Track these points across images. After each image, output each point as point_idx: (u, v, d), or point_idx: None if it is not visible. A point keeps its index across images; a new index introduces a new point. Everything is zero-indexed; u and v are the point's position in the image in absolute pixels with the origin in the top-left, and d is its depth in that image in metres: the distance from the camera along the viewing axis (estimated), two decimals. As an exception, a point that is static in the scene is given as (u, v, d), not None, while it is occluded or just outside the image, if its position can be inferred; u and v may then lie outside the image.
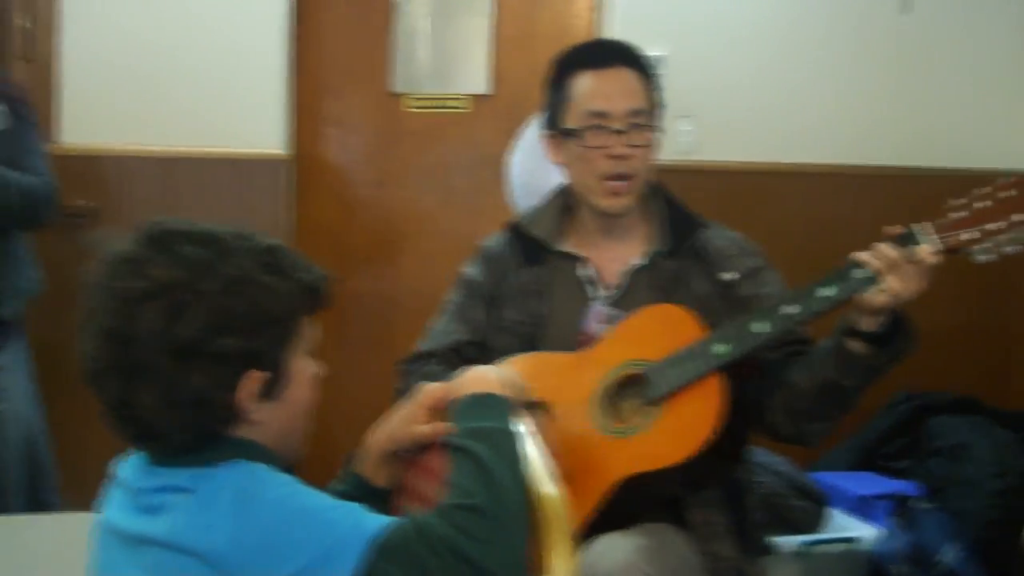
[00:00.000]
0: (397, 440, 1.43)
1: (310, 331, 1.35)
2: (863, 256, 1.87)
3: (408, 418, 1.43)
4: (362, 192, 4.14)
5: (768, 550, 3.32)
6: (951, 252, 1.85)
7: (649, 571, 1.87)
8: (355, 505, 1.25)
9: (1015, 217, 1.82)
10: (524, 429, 1.35)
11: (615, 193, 2.16)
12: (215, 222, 3.75)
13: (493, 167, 3.96)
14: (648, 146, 2.18)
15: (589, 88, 2.18)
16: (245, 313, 1.25)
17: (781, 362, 2.07)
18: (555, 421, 2.03)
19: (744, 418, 2.07)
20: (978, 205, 1.85)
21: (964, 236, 1.84)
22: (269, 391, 1.29)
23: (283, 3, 3.88)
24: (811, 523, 3.49)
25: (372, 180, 4.14)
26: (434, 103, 4.09)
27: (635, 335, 2.09)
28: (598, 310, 2.18)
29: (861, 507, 3.68)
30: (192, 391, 1.24)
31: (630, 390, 2.07)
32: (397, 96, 4.09)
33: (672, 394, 1.99)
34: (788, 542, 3.39)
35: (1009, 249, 1.83)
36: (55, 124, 3.74)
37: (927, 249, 1.84)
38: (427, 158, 4.13)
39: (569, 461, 2.03)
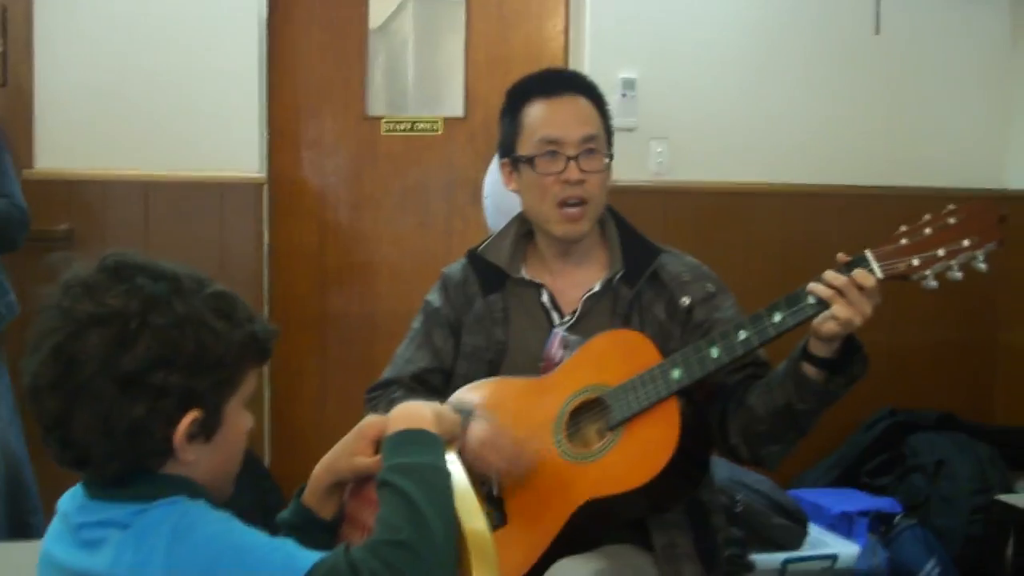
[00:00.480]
0: (338, 472, 1.43)
1: (251, 382, 1.36)
2: (812, 284, 1.88)
3: (349, 449, 1.43)
4: (339, 214, 4.16)
5: (748, 568, 3.34)
6: (897, 279, 1.85)
7: None
8: (288, 541, 1.26)
9: (957, 244, 1.82)
10: (453, 463, 1.35)
11: (571, 220, 2.17)
12: (192, 244, 3.76)
13: (468, 189, 3.99)
14: (601, 171, 2.19)
15: (541, 116, 2.20)
16: (191, 352, 1.26)
17: (740, 385, 2.08)
18: (499, 430, 2.04)
19: (704, 441, 2.07)
20: (924, 232, 1.85)
21: (909, 263, 1.84)
22: (203, 432, 1.30)
23: (258, 27, 3.90)
24: (792, 540, 3.50)
25: (348, 202, 4.15)
26: (408, 126, 4.10)
27: (594, 361, 2.09)
28: (558, 336, 2.19)
29: (842, 524, 3.69)
30: (129, 420, 1.24)
31: (591, 414, 2.07)
32: (372, 119, 4.10)
33: (631, 419, 1.99)
34: (769, 559, 3.39)
35: (958, 275, 1.83)
36: (31, 148, 3.75)
37: (868, 276, 1.84)
38: (403, 181, 4.14)
39: (531, 485, 2.05)
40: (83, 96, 3.76)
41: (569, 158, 2.15)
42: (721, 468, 3.53)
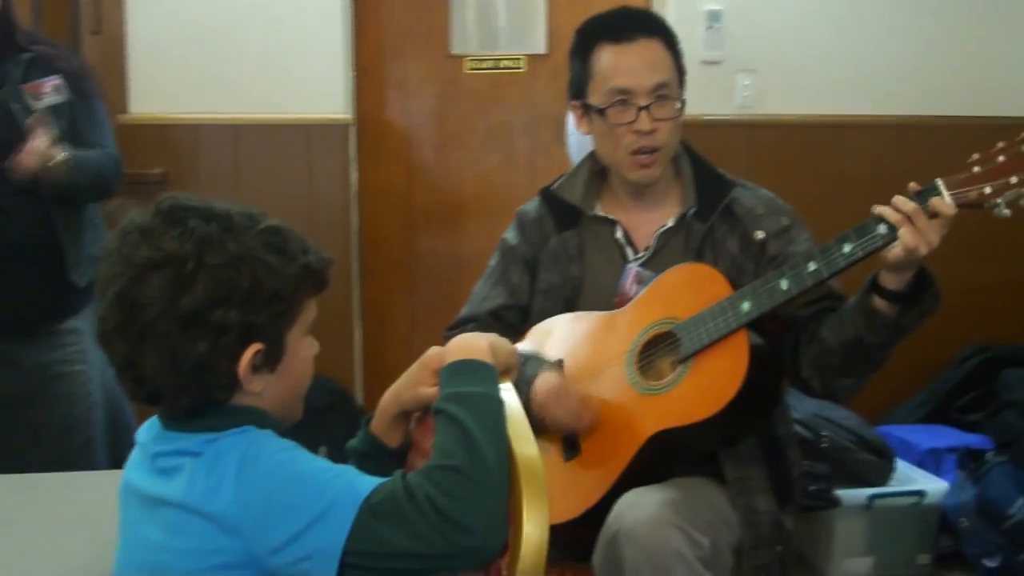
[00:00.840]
0: (404, 402, 1.48)
1: (310, 311, 1.40)
2: (882, 209, 1.86)
3: (414, 380, 1.48)
4: (424, 154, 4.20)
5: (834, 502, 3.33)
6: (970, 207, 1.82)
7: (677, 523, 1.88)
8: (349, 468, 1.31)
9: None
10: (508, 392, 1.39)
11: (642, 166, 2.18)
12: (281, 185, 3.84)
13: (551, 126, 3.98)
14: (674, 117, 2.18)
15: (612, 64, 2.18)
16: (247, 288, 1.30)
17: (813, 318, 2.07)
18: (579, 380, 2.07)
19: (776, 374, 2.07)
20: (996, 160, 1.81)
21: (980, 191, 1.81)
22: (267, 363, 1.35)
23: (341, -32, 3.93)
24: (879, 476, 3.48)
25: (433, 141, 4.19)
26: (492, 64, 4.11)
27: (665, 295, 2.10)
28: (632, 271, 2.20)
29: (930, 460, 3.65)
30: (194, 357, 1.29)
31: (663, 348, 2.08)
32: (456, 58, 4.12)
33: (701, 351, 2.00)
34: (855, 495, 3.38)
35: (1029, 202, 1.80)
36: (125, 94, 3.86)
37: (942, 202, 1.81)
38: (487, 119, 4.16)
39: (604, 417, 2.09)
40: (174, 42, 3.85)
41: (640, 108, 2.15)
42: (808, 403, 3.52)
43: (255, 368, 1.33)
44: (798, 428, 3.42)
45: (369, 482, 1.27)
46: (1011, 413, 3.79)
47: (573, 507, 2.05)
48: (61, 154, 2.65)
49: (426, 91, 4.16)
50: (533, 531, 1.23)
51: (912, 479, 3.50)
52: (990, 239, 4.04)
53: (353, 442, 1.52)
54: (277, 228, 1.37)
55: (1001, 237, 3.89)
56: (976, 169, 1.84)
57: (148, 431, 1.42)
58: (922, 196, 1.85)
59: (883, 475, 3.47)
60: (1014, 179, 1.81)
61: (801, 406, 3.49)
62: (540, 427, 2.08)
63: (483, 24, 4.12)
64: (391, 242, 4.17)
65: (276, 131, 3.91)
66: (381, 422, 1.50)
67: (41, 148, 2.62)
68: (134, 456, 1.43)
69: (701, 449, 2.10)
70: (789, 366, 2.09)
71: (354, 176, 4.05)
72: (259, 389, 1.35)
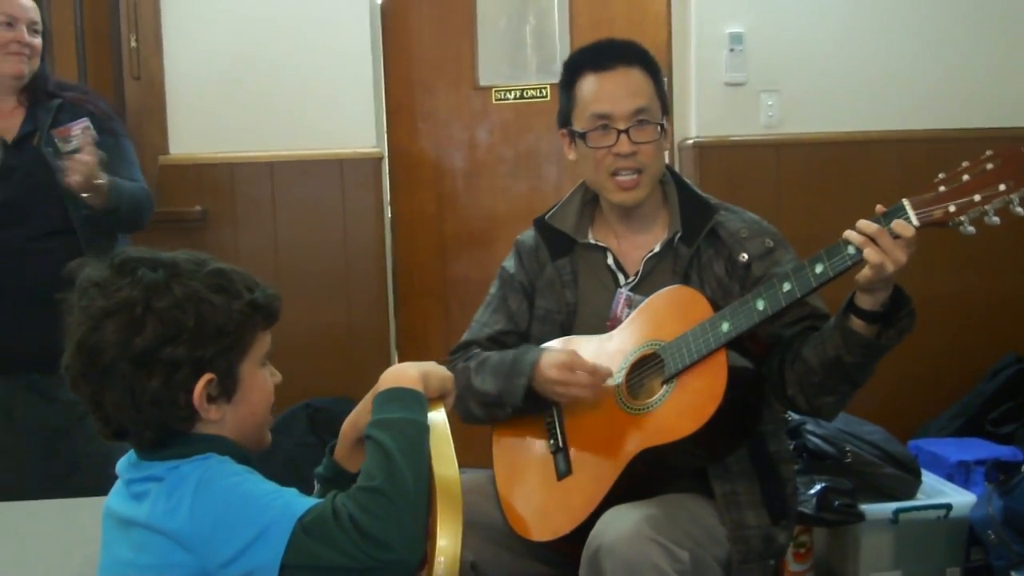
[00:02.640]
0: (360, 427, 1.57)
1: (263, 343, 1.52)
2: (848, 232, 1.92)
3: (368, 408, 1.57)
4: (455, 183, 4.32)
5: (859, 517, 3.35)
6: (934, 225, 1.87)
7: (655, 537, 1.94)
8: (291, 491, 1.43)
9: (993, 189, 1.83)
10: (434, 416, 1.49)
11: (624, 188, 2.26)
12: (317, 218, 3.94)
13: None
14: (654, 140, 2.26)
15: (593, 91, 2.28)
16: (192, 326, 1.43)
17: (798, 337, 2.13)
18: (573, 358, 2.16)
19: (757, 392, 2.13)
20: (961, 179, 1.86)
21: (945, 209, 1.86)
22: (223, 393, 1.48)
23: (370, 9, 4.05)
24: (905, 490, 3.48)
25: (464, 171, 4.31)
26: (518, 94, 4.22)
27: (652, 317, 2.18)
28: (622, 296, 2.28)
29: (960, 473, 3.64)
30: (151, 393, 1.43)
31: (651, 369, 2.16)
32: (484, 89, 4.24)
33: (684, 371, 2.07)
34: (880, 509, 3.39)
35: (995, 220, 1.84)
36: (165, 137, 4.02)
37: (900, 224, 1.87)
38: (515, 147, 4.28)
39: (594, 437, 2.17)
40: (209, 85, 4.01)
41: (620, 131, 2.23)
42: (836, 419, 3.53)
43: (211, 398, 1.46)
44: (822, 444, 3.46)
45: (305, 502, 1.39)
46: (1044, 424, 3.78)
47: (565, 524, 2.13)
48: (104, 176, 2.80)
49: (455, 122, 4.28)
50: (447, 545, 1.33)
51: (941, 492, 3.49)
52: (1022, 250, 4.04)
53: (319, 468, 1.64)
54: (221, 270, 1.49)
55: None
56: (942, 188, 1.89)
57: (125, 461, 1.55)
58: (887, 217, 1.90)
59: (909, 489, 3.48)
60: (977, 197, 1.85)
61: (826, 423, 3.52)
62: (548, 405, 2.20)
63: (508, 56, 4.23)
64: (424, 270, 4.29)
65: (310, 166, 4.04)
66: (342, 448, 1.62)
67: (87, 161, 2.76)
68: (115, 486, 1.56)
69: (686, 466, 2.16)
70: (775, 384, 2.14)
71: (387, 207, 4.17)
72: (217, 418, 1.47)
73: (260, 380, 1.52)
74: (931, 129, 4.10)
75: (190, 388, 1.44)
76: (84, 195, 2.78)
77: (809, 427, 3.48)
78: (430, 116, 4.28)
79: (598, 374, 2.14)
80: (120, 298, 1.43)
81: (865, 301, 1.96)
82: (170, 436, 1.47)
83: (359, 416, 1.58)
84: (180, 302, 1.43)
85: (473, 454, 2.32)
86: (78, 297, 1.46)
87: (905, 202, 1.90)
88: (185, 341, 1.42)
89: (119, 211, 2.87)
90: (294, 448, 3.67)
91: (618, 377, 2.16)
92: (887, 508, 3.39)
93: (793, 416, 3.52)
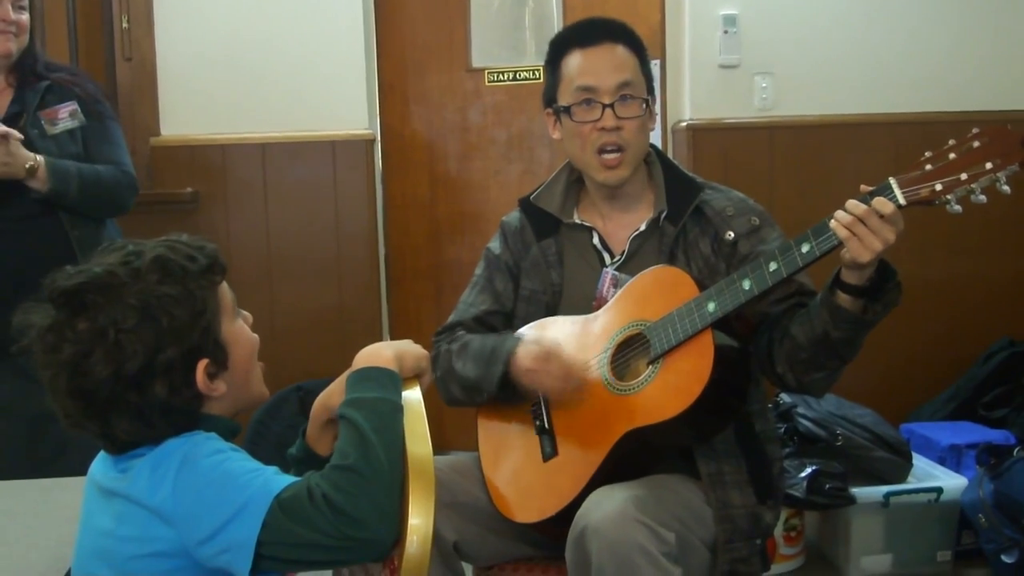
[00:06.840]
0: (331, 408, 1.57)
1: (225, 297, 1.51)
2: (836, 213, 1.91)
3: (340, 388, 1.56)
4: (448, 165, 4.30)
5: (849, 500, 3.35)
6: (920, 204, 1.86)
7: (641, 518, 1.92)
8: (271, 469, 1.42)
9: (979, 167, 1.82)
10: (408, 395, 1.49)
11: (609, 166, 2.25)
12: (308, 200, 3.91)
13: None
14: (639, 116, 2.24)
15: (578, 65, 2.27)
16: (167, 325, 1.42)
17: (786, 314, 2.12)
18: (548, 352, 2.15)
19: (744, 372, 2.12)
20: (948, 157, 1.85)
21: (932, 188, 1.85)
22: (219, 365, 1.47)
23: (362, -11, 4.04)
24: (895, 474, 3.49)
25: (457, 153, 4.29)
26: (511, 76, 4.20)
27: (637, 297, 2.17)
28: (608, 275, 2.27)
29: (951, 456, 3.64)
30: (159, 404, 1.42)
31: (636, 349, 2.15)
32: (476, 71, 4.22)
33: (670, 351, 2.06)
34: (871, 492, 3.40)
35: (981, 198, 1.83)
36: (157, 118, 4.01)
37: (882, 202, 1.86)
38: (508, 129, 4.25)
39: (580, 418, 2.16)
40: (201, 66, 4.00)
41: (605, 105, 2.22)
42: (824, 403, 3.54)
43: (211, 376, 1.46)
44: (813, 427, 3.46)
45: (283, 480, 1.38)
46: (1036, 408, 3.78)
47: (552, 505, 2.12)
48: (35, 158, 2.76)
49: (448, 104, 4.26)
50: (419, 524, 1.33)
51: (932, 476, 3.50)
52: (1018, 233, 4.03)
53: (291, 450, 1.63)
54: (156, 257, 1.45)
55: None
56: (928, 167, 1.88)
57: None
58: (874, 195, 1.89)
59: (900, 472, 3.49)
60: (964, 175, 1.84)
61: (817, 405, 3.52)
62: (525, 395, 2.19)
63: (502, 38, 4.21)
64: (417, 252, 4.28)
65: (302, 148, 4.04)
66: (313, 427, 1.61)
67: None
68: (100, 452, 1.54)
69: (672, 446, 2.15)
70: (764, 362, 2.14)
71: (379, 189, 4.16)
72: (224, 390, 1.47)
73: (240, 332, 1.53)
74: (924, 112, 4.09)
75: (191, 380, 1.44)
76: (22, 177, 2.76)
77: (800, 410, 3.48)
78: (423, 98, 4.26)
79: (572, 371, 2.14)
80: (85, 333, 1.40)
81: (851, 276, 1.95)
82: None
83: (331, 396, 1.57)
84: (143, 311, 1.41)
85: (469, 437, 2.32)
86: (39, 348, 1.43)
87: (892, 180, 1.89)
88: (170, 342, 1.41)
89: (69, 195, 2.84)
90: (285, 430, 3.66)
91: (604, 358, 2.15)
92: (878, 491, 3.40)
93: (784, 399, 3.52)
